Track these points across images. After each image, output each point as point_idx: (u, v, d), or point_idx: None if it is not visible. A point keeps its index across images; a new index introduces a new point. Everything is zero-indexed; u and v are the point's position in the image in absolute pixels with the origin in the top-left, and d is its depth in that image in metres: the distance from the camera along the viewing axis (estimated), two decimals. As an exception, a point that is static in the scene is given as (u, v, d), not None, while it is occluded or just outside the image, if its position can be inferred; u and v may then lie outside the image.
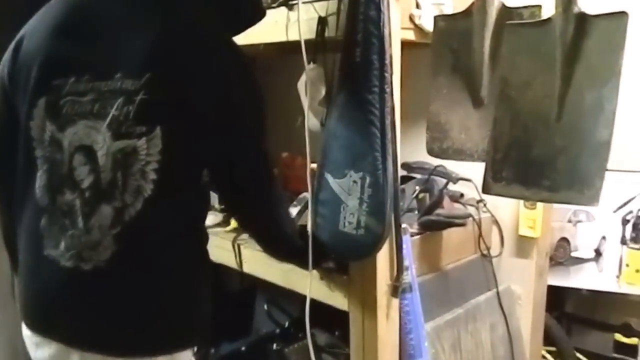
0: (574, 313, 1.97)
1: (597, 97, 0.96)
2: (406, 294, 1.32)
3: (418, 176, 1.63)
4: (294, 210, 1.60)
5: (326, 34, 1.23)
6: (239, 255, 1.58)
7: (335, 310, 1.35)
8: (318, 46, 1.24)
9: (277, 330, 1.73)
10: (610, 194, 1.67)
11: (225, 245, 1.59)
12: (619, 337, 1.88)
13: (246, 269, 1.57)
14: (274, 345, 1.62)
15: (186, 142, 0.98)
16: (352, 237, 1.17)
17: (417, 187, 1.56)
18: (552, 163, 1.00)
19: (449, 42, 1.19)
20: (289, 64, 1.33)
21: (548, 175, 1.00)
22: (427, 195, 1.56)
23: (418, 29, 1.27)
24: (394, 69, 1.16)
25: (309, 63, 1.23)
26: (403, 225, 1.27)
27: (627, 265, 1.82)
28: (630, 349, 1.85)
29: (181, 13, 1.02)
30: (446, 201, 1.55)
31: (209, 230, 1.16)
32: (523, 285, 1.64)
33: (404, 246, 1.28)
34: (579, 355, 1.89)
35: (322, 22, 1.24)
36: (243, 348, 1.74)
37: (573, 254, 1.85)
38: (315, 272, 1.32)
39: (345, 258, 1.30)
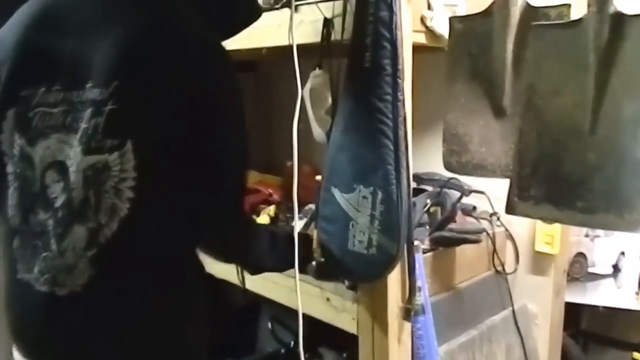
0: (590, 330, 1.84)
1: (637, 108, 0.84)
2: (419, 317, 1.21)
3: (429, 188, 1.54)
4: (299, 223, 1.50)
5: (332, 37, 1.14)
6: (241, 272, 1.47)
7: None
8: (323, 50, 1.16)
9: (282, 350, 1.63)
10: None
11: (226, 260, 1.48)
12: (637, 355, 1.75)
13: (249, 286, 1.47)
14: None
15: (163, 155, 0.86)
16: (363, 257, 1.09)
17: (429, 201, 1.46)
18: (586, 182, 0.87)
19: (467, 45, 1.07)
20: (292, 70, 1.23)
21: (582, 196, 0.86)
22: (439, 209, 1.45)
23: (429, 31, 1.18)
24: (405, 75, 1.07)
25: (314, 69, 1.16)
26: (415, 243, 1.17)
27: (647, 282, 1.69)
28: (649, 368, 1.73)
29: (156, 12, 0.90)
30: (458, 215, 1.46)
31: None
32: (540, 303, 1.53)
33: (417, 265, 1.18)
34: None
35: (327, 24, 1.15)
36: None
37: (590, 270, 1.72)
38: (320, 291, 1.26)
39: (355, 279, 1.21)
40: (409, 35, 1.10)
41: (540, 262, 1.50)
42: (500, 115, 1.05)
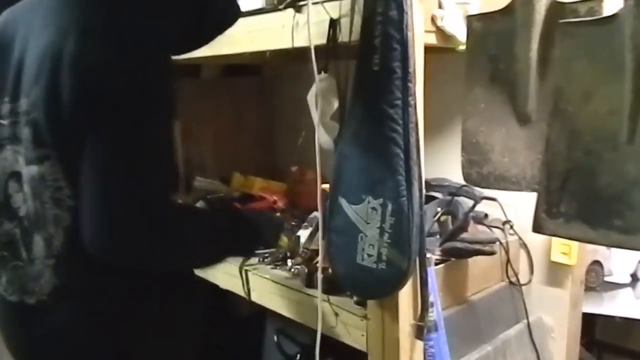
0: (605, 340, 1.72)
1: (682, 114, 0.72)
2: (431, 334, 1.11)
3: (439, 196, 1.42)
4: (304, 233, 1.40)
5: (339, 39, 1.04)
6: (246, 283, 1.39)
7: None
8: (329, 53, 1.06)
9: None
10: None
11: (232, 271, 1.40)
12: (654, 367, 1.63)
13: (254, 297, 1.40)
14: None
15: (85, 162, 0.79)
16: (372, 272, 1.00)
17: (439, 209, 1.35)
18: (624, 197, 0.75)
19: (486, 46, 0.95)
20: (297, 73, 1.13)
21: (620, 213, 0.75)
22: (450, 217, 1.34)
23: (440, 31, 1.07)
24: (417, 79, 0.98)
25: (319, 72, 1.06)
26: (427, 256, 1.07)
27: (666, 292, 1.58)
28: (666, 379, 1.61)
29: (83, 17, 0.83)
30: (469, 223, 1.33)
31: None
32: (556, 316, 1.41)
33: (429, 280, 1.08)
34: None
35: (333, 25, 1.05)
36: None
37: (607, 279, 1.60)
38: (327, 306, 1.16)
39: (364, 295, 1.11)
40: (420, 36, 1.00)
41: (556, 272, 1.38)
42: (525, 122, 0.93)
